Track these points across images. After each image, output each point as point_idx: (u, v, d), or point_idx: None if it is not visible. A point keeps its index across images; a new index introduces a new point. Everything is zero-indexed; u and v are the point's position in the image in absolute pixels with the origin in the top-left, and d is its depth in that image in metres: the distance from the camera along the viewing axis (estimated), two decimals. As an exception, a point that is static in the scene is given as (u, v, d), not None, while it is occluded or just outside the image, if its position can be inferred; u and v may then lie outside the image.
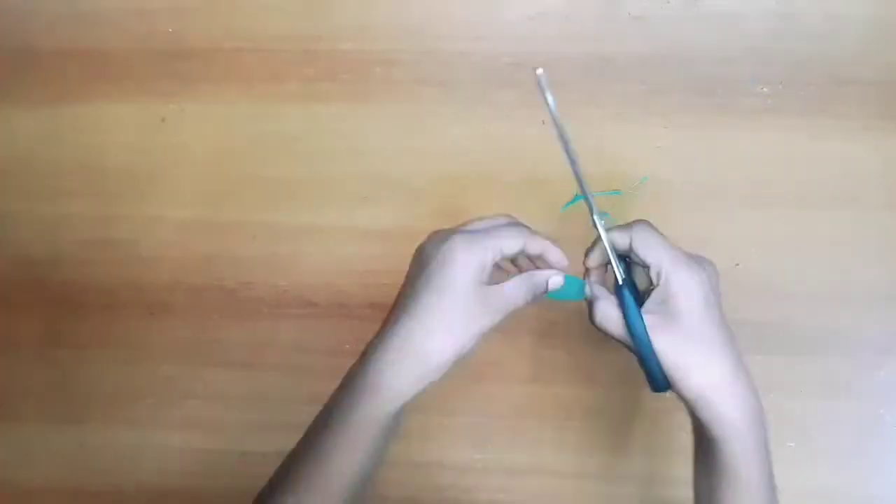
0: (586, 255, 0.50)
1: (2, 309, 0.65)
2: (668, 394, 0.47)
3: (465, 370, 0.60)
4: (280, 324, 0.62)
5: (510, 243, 0.46)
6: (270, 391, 0.64)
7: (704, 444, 0.46)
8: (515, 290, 0.47)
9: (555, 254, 0.48)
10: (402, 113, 0.58)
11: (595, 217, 0.48)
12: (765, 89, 0.55)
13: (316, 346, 0.62)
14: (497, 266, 0.47)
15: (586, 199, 0.48)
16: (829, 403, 0.58)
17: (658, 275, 0.46)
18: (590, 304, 0.48)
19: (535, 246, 0.47)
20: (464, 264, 0.44)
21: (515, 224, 0.48)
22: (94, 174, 0.61)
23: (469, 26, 0.56)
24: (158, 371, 0.64)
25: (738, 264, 0.57)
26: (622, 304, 0.47)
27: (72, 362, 0.65)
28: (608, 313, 0.47)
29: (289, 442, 0.64)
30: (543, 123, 0.57)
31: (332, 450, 0.47)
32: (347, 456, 0.46)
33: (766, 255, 0.57)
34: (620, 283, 0.47)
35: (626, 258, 0.49)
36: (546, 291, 0.47)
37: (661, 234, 0.47)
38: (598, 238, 0.49)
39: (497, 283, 0.47)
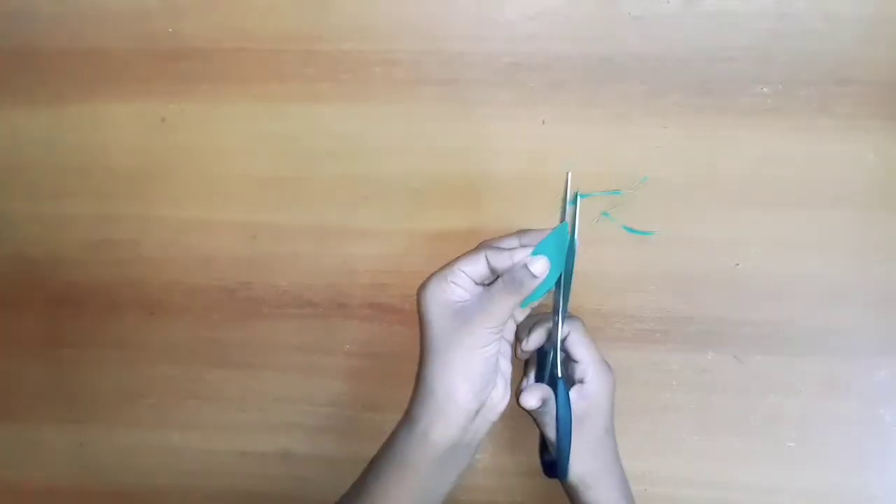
0: (522, 339, 0.54)
1: (2, 309, 0.65)
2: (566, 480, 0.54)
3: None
4: (280, 324, 0.62)
5: (469, 266, 0.49)
6: (270, 391, 0.64)
7: None
8: (489, 292, 0.48)
9: (531, 258, 0.48)
10: (402, 113, 0.58)
11: (559, 316, 0.53)
12: (765, 89, 0.55)
13: (316, 346, 0.62)
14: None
15: (561, 313, 0.53)
16: (829, 403, 0.58)
17: (583, 372, 0.53)
18: (520, 389, 0.53)
19: (501, 260, 0.48)
20: (432, 302, 0.48)
21: (477, 247, 0.51)
22: (94, 174, 0.61)
23: (469, 26, 0.56)
24: (158, 371, 0.64)
25: (738, 264, 0.57)
26: (557, 395, 0.52)
27: (72, 362, 0.65)
28: (547, 402, 0.52)
29: (289, 442, 0.65)
30: (544, 123, 0.57)
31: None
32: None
33: (766, 255, 0.57)
34: (560, 376, 0.53)
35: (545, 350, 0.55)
36: (532, 274, 0.47)
37: (590, 336, 0.54)
38: (536, 325, 0.54)
39: None
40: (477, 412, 0.48)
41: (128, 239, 0.62)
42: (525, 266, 0.47)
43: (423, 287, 0.49)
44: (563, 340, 0.54)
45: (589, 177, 0.57)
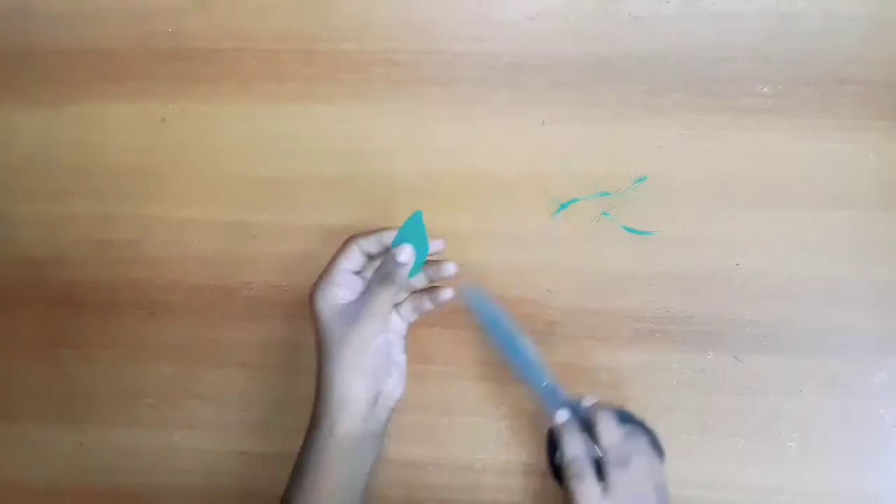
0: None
1: (2, 309, 0.65)
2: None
3: (464, 370, 0.60)
4: (280, 324, 0.62)
5: (345, 261, 0.52)
6: (270, 391, 0.64)
7: None
8: (368, 289, 0.51)
9: (387, 236, 0.52)
10: (402, 113, 0.58)
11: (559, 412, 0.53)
12: (765, 89, 0.55)
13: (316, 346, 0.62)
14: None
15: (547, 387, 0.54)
16: (828, 403, 0.58)
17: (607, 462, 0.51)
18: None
19: (371, 244, 0.52)
20: (322, 307, 0.51)
21: (347, 240, 0.53)
22: (95, 174, 0.61)
23: (469, 26, 0.56)
24: (158, 371, 0.64)
25: (738, 264, 0.57)
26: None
27: (72, 362, 0.65)
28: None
29: (289, 442, 0.65)
30: (544, 123, 0.57)
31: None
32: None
33: (766, 255, 0.57)
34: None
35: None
36: (399, 262, 0.50)
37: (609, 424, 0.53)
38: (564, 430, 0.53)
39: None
40: (374, 402, 0.51)
41: (128, 239, 0.62)
42: (392, 257, 0.50)
43: (311, 293, 0.51)
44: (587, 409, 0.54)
45: (589, 177, 0.57)
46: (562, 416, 0.53)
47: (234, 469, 0.65)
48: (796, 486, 0.60)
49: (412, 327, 0.55)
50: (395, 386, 0.53)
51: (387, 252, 0.51)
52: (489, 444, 0.60)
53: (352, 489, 0.52)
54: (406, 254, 0.50)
